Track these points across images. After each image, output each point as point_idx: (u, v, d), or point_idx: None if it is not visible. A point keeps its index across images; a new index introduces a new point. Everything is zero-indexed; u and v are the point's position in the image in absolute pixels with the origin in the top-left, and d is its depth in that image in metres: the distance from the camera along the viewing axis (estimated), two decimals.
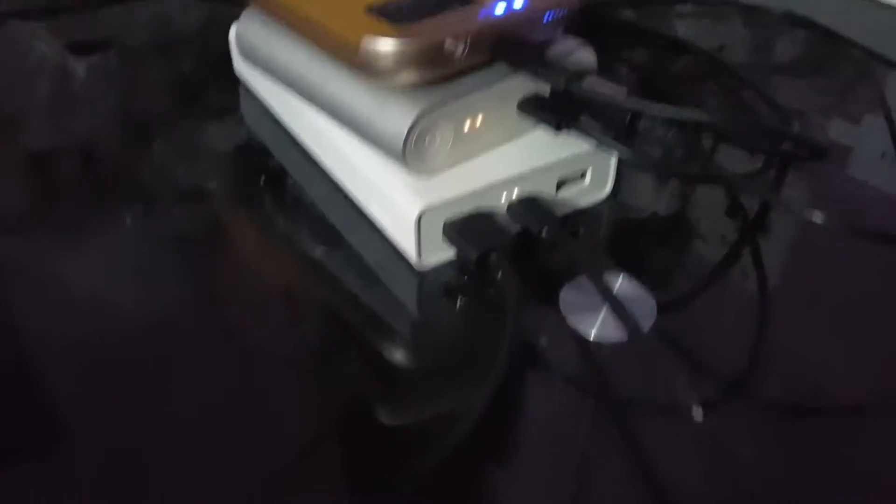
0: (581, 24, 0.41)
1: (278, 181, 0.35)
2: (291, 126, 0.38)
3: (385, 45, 0.27)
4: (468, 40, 0.28)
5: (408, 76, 0.28)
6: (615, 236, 0.34)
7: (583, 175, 0.33)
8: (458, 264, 0.31)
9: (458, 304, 0.30)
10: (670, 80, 0.45)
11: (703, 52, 0.45)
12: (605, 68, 0.33)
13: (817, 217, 0.26)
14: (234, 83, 0.41)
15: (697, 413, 0.25)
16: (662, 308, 0.29)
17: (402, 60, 0.28)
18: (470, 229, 0.30)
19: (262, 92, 0.39)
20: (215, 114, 0.40)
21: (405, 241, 0.31)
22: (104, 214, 0.33)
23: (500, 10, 0.30)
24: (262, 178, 0.35)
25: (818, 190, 0.37)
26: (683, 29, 0.51)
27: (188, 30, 0.47)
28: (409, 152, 0.29)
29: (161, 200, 0.34)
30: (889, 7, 0.54)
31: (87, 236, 0.33)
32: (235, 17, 0.36)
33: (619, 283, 0.30)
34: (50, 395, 0.26)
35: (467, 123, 0.30)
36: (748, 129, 0.34)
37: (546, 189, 0.32)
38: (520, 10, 0.30)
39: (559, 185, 0.33)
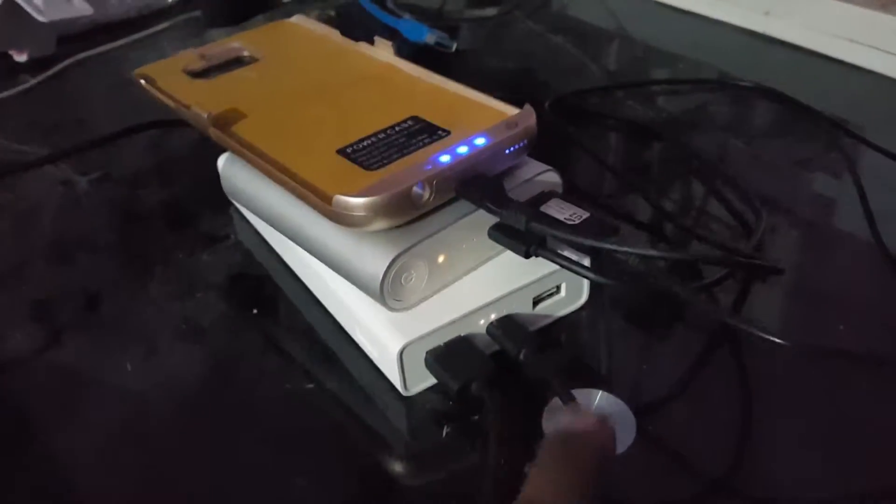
0: (554, 117, 0.43)
1: (272, 309, 0.37)
2: (279, 252, 0.39)
3: (356, 201, 0.29)
4: (434, 186, 0.30)
5: (379, 224, 0.30)
6: (594, 344, 0.35)
7: (558, 288, 0.35)
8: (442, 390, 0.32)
9: (444, 432, 0.31)
10: (643, 173, 0.46)
11: (677, 141, 0.47)
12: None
13: (776, 338, 0.27)
14: (225, 204, 0.43)
15: None
16: (642, 419, 0.31)
17: (373, 212, 0.29)
18: (450, 360, 0.31)
19: (250, 218, 0.41)
20: (208, 240, 0.41)
21: (390, 372, 0.32)
22: (104, 359, 0.35)
23: (463, 150, 0.31)
24: (255, 310, 0.37)
25: (791, 281, 0.38)
26: (658, 108, 0.53)
27: (181, 154, 0.49)
28: (387, 293, 0.31)
29: (160, 340, 0.36)
30: (858, 70, 0.56)
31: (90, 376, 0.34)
32: None
33: (598, 399, 0.32)
34: None
35: (441, 258, 0.32)
36: (704, 260, 0.35)
37: (523, 307, 0.34)
38: (482, 148, 0.32)
39: (536, 302, 0.34)
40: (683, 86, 0.55)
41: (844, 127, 0.48)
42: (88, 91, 0.60)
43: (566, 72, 0.59)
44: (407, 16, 0.57)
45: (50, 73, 0.60)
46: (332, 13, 0.59)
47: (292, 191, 0.32)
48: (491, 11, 0.69)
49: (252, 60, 0.42)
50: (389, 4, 0.57)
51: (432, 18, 0.59)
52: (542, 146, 0.35)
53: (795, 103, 0.51)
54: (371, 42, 0.41)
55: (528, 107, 0.34)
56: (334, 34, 0.44)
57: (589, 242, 0.28)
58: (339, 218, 0.30)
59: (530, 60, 0.62)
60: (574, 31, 0.66)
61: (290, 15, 0.47)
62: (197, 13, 0.66)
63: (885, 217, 0.41)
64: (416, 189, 0.30)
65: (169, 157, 0.50)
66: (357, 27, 0.43)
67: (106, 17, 0.66)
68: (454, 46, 0.59)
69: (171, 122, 0.49)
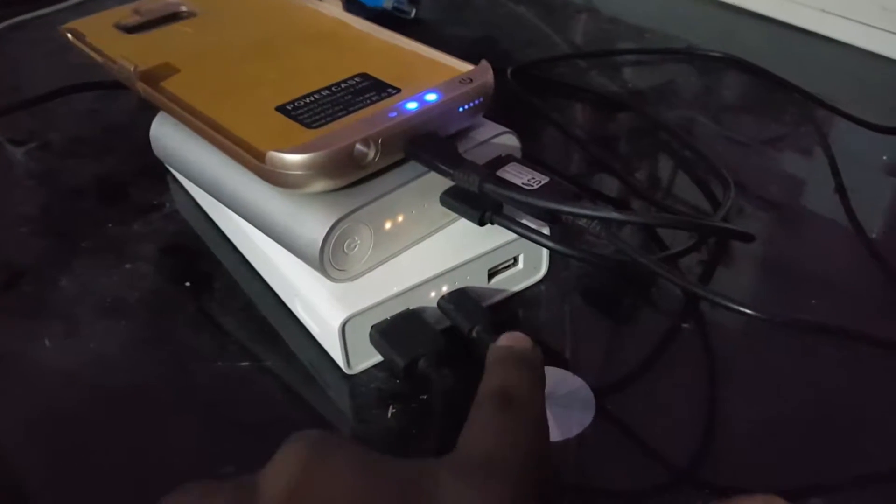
0: (516, 85, 0.40)
1: (207, 282, 0.34)
2: (217, 221, 0.36)
3: (292, 158, 0.26)
4: (379, 143, 0.27)
5: (319, 185, 0.27)
6: (552, 320, 0.33)
7: (516, 260, 0.32)
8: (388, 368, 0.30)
9: (389, 413, 0.29)
10: (611, 142, 0.44)
11: (643, 112, 0.44)
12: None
13: (750, 310, 0.25)
14: (163, 171, 0.40)
15: None
16: (601, 397, 0.28)
17: (312, 171, 0.27)
18: (397, 335, 0.29)
19: (187, 186, 0.38)
20: (141, 210, 0.38)
21: (332, 348, 0.30)
22: (25, 335, 0.32)
23: (412, 106, 0.29)
24: (188, 283, 0.34)
25: (762, 255, 0.36)
26: (626, 79, 0.51)
27: (120, 120, 0.46)
28: (328, 261, 0.28)
29: (84, 316, 0.33)
30: (830, 41, 0.54)
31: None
32: None
33: (556, 378, 0.29)
34: None
35: (388, 224, 0.29)
36: (671, 225, 0.33)
37: (477, 280, 0.31)
38: (433, 104, 0.29)
39: (491, 274, 0.32)
40: (651, 56, 0.53)
41: (816, 98, 0.46)
42: (26, 57, 0.56)
43: (530, 43, 0.57)
44: None
45: None
46: None
47: (224, 149, 0.29)
48: None
49: (190, 16, 0.39)
50: None
51: None
52: (502, 115, 0.33)
53: (765, 74, 0.49)
54: None
55: (484, 63, 0.31)
56: None
57: (548, 205, 0.26)
58: (274, 178, 0.27)
59: (492, 30, 0.59)
60: (538, 1, 0.63)
61: None
62: None
63: (857, 189, 0.39)
64: (358, 146, 0.27)
65: (106, 122, 0.46)
66: None
67: None
68: (413, 13, 0.57)
69: (107, 85, 0.45)
